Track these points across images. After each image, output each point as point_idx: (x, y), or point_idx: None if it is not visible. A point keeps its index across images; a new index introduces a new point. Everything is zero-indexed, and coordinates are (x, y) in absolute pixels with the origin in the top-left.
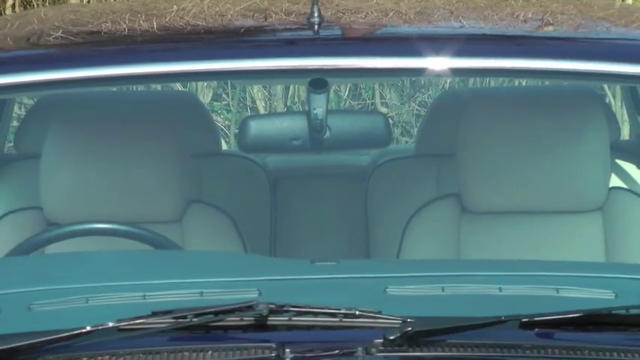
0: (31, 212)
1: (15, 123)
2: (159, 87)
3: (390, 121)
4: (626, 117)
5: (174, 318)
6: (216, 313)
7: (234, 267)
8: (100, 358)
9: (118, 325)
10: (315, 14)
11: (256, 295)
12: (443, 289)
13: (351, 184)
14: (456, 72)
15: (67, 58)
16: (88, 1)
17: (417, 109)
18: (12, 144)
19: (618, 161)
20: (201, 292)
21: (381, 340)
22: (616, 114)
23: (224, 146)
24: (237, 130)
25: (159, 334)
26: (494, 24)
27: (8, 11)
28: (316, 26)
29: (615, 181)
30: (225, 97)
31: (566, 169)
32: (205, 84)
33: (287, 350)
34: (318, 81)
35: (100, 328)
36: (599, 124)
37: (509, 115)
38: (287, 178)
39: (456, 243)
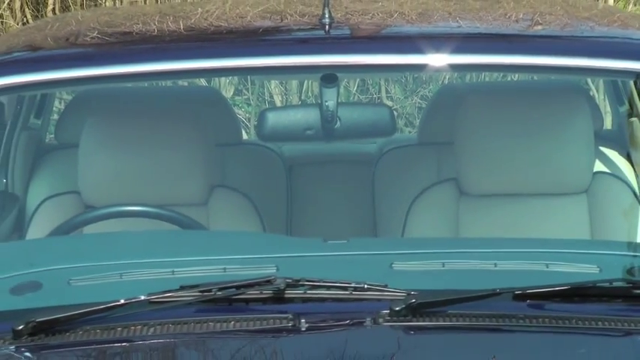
0: (70, 196)
1: (55, 117)
2: (185, 83)
3: (395, 112)
4: (608, 108)
5: (200, 292)
6: (238, 287)
7: (254, 245)
8: (132, 328)
9: (149, 298)
10: (326, 15)
11: (274, 270)
12: (443, 265)
13: (359, 170)
14: (454, 68)
15: (102, 56)
16: (121, 4)
17: (419, 102)
18: (53, 135)
19: (602, 148)
20: (225, 268)
21: (388, 311)
22: (599, 106)
23: (244, 136)
24: (256, 122)
25: (186, 307)
26: (489, 24)
27: (49, 14)
28: (327, 26)
29: (599, 166)
30: (246, 92)
31: (554, 156)
32: (228, 80)
33: (302, 320)
34: (329, 76)
35: (133, 301)
36: (584, 115)
37: (502, 106)
38: (301, 165)
39: (454, 222)
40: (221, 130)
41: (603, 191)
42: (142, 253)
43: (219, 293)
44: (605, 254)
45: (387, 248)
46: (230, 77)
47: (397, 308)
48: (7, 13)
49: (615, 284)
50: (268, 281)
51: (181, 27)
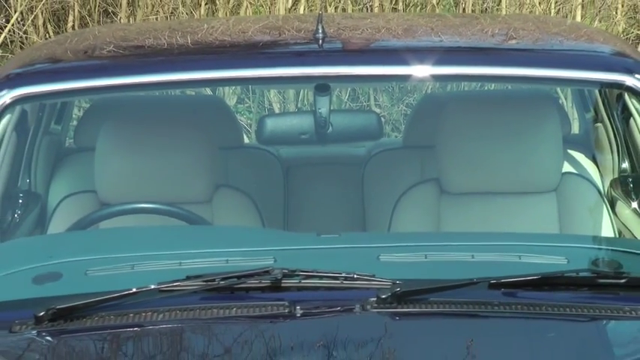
0: (87, 195)
1: (74, 122)
2: (192, 92)
3: (382, 119)
4: (576, 115)
5: (204, 281)
6: (239, 277)
7: (253, 239)
8: (143, 314)
9: (158, 287)
10: (320, 31)
11: (272, 262)
12: (426, 257)
13: (350, 171)
14: (436, 78)
15: (117, 67)
16: (135, 20)
17: (404, 110)
18: (72, 139)
19: (570, 151)
20: (227, 260)
21: (375, 299)
22: (567, 112)
23: (246, 140)
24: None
25: (192, 295)
26: (468, 38)
27: (69, 30)
28: (320, 41)
29: (567, 167)
30: (247, 101)
31: (526, 157)
32: (231, 90)
33: (297, 307)
34: (322, 86)
35: (144, 289)
36: (554, 121)
37: (479, 113)
38: (297, 166)
39: (436, 218)
40: (224, 135)
41: (571, 190)
42: (152, 246)
43: (222, 282)
44: (573, 247)
45: (375, 242)
46: (233, 87)
47: (383, 296)
48: (31, 29)
49: (581, 274)
50: (267, 272)
51: (189, 41)
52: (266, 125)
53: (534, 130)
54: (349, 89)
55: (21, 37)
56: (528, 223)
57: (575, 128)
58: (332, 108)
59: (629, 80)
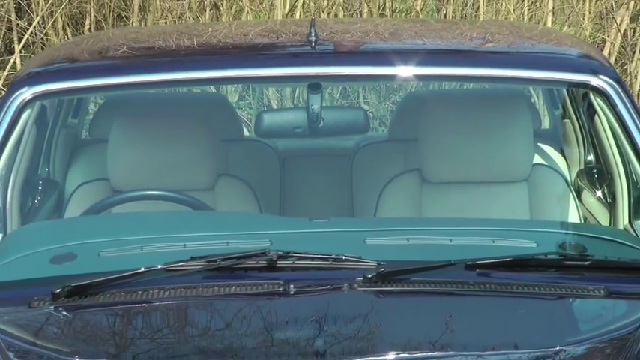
0: (101, 183)
1: (90, 117)
2: (197, 89)
3: (370, 115)
4: (546, 112)
5: (207, 261)
6: (238, 258)
7: (252, 224)
8: (151, 291)
9: (165, 266)
10: (313, 34)
11: (268, 244)
12: (408, 240)
13: (339, 162)
14: (419, 77)
15: (129, 67)
16: (146, 24)
17: (390, 106)
18: (87, 132)
19: (540, 144)
20: (227, 242)
21: (362, 278)
22: (538, 109)
23: (246, 133)
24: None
25: (196, 274)
26: (448, 41)
27: (86, 32)
28: (313, 43)
29: (538, 159)
30: (248, 97)
31: (500, 150)
32: (233, 88)
33: (291, 286)
34: (314, 84)
35: (152, 269)
36: (525, 117)
37: (458, 109)
38: (292, 157)
39: (418, 205)
40: (226, 129)
41: (541, 180)
42: (159, 229)
43: (223, 263)
44: (542, 232)
45: (362, 226)
46: (235, 85)
47: (369, 276)
48: (52, 31)
49: (550, 256)
50: (263, 253)
51: (194, 43)
52: (263, 120)
53: (508, 125)
54: (340, 88)
55: (42, 39)
56: (502, 209)
57: (546, 124)
58: (323, 104)
59: (594, 80)
